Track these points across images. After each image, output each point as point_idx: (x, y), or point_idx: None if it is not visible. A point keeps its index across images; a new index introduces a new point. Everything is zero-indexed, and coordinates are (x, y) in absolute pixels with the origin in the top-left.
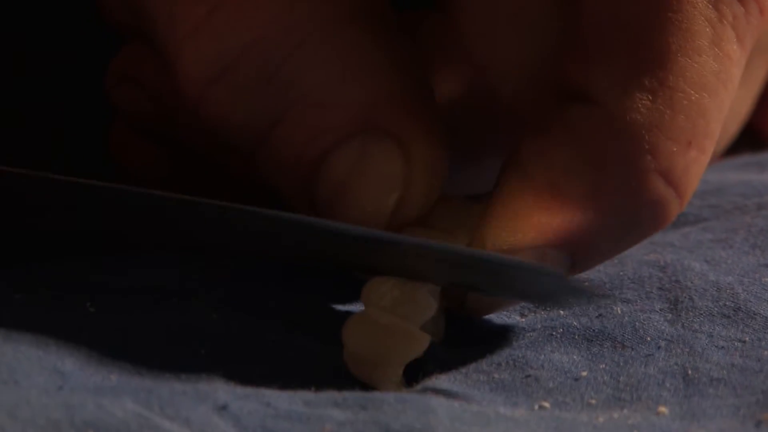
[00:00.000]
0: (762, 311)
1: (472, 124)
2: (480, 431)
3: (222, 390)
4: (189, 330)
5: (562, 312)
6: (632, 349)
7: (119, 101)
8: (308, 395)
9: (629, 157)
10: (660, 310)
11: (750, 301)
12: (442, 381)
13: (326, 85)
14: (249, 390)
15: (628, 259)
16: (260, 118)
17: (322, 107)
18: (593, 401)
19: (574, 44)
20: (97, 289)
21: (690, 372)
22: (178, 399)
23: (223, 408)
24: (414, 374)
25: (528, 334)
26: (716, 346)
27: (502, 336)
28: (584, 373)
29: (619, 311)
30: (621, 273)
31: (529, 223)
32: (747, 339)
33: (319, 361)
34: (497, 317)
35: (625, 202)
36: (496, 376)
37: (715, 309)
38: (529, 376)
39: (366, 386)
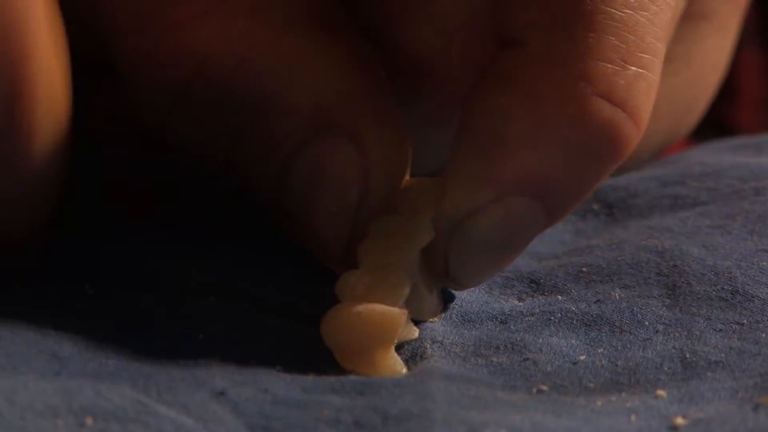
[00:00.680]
0: (760, 294)
1: (426, 96)
2: (478, 415)
3: (219, 376)
4: (186, 316)
5: (560, 297)
6: (630, 333)
7: (108, 140)
8: (306, 381)
9: (563, 87)
10: (658, 294)
11: (748, 284)
12: (440, 365)
13: (275, 94)
14: (247, 376)
15: (626, 244)
16: (220, 139)
17: (275, 116)
18: (591, 385)
19: None
20: (95, 275)
21: (688, 355)
22: (175, 385)
23: (220, 394)
24: (412, 357)
25: (526, 318)
26: (714, 330)
27: (500, 320)
28: (582, 357)
29: (618, 296)
30: (619, 258)
31: (481, 178)
32: (745, 322)
33: (317, 347)
34: (495, 300)
35: (572, 132)
36: (494, 359)
37: (713, 293)
38: (527, 359)
39: None
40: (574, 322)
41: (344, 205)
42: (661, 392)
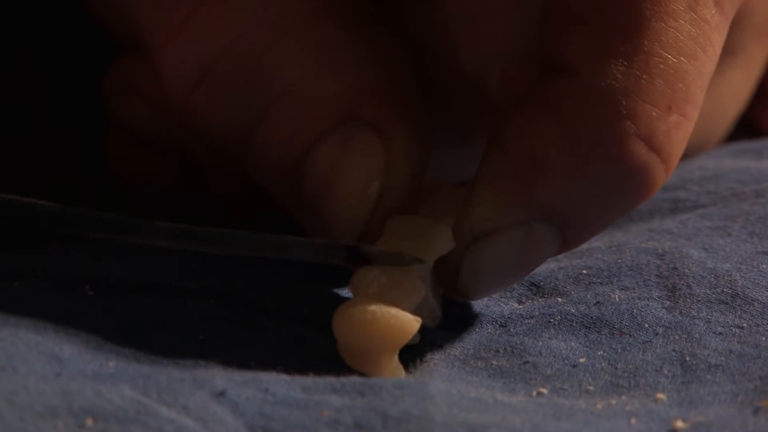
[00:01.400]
0: (760, 297)
1: (459, 110)
2: (478, 417)
3: (219, 376)
4: (186, 316)
5: (560, 299)
6: (630, 335)
7: (118, 112)
8: (306, 381)
9: (608, 124)
10: (658, 297)
11: (748, 288)
12: (440, 367)
13: (304, 81)
14: (247, 376)
15: (626, 246)
16: (242, 119)
17: (301, 103)
18: (591, 388)
19: (552, 17)
20: (95, 276)
21: (688, 358)
22: (175, 385)
23: (220, 394)
24: (412, 361)
25: (526, 321)
26: (714, 333)
27: (499, 323)
28: (582, 360)
29: (617, 298)
30: (619, 260)
31: (512, 199)
32: (745, 325)
33: (317, 348)
34: (495, 303)
35: (608, 169)
36: (494, 362)
37: (713, 296)
38: (527, 362)
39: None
40: (574, 324)
41: (364, 198)
42: (661, 395)
